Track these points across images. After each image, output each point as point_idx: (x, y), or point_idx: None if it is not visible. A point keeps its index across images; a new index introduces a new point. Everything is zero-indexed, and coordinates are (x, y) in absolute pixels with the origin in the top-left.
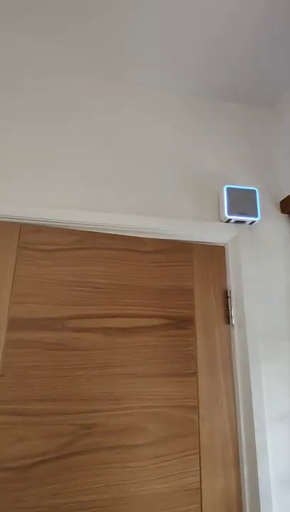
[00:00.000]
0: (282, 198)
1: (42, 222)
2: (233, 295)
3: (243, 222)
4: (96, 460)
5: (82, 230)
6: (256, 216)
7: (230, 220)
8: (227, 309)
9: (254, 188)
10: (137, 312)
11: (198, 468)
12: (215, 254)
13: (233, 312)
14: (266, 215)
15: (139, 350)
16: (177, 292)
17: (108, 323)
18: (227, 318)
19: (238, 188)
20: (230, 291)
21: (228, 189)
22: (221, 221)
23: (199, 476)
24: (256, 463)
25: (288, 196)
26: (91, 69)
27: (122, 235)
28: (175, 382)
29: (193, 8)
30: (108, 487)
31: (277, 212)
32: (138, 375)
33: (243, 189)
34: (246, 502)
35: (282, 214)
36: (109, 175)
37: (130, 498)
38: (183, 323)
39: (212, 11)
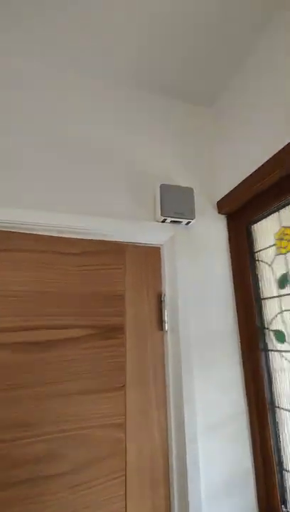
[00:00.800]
0: (219, 198)
1: None
2: (168, 299)
3: (179, 222)
4: (3, 499)
5: None
6: (192, 216)
7: (166, 220)
8: (161, 314)
9: (190, 187)
10: (56, 323)
11: (123, 492)
12: (150, 256)
13: (167, 317)
14: (203, 215)
15: (56, 366)
16: (106, 298)
17: (18, 337)
18: (161, 324)
19: (173, 186)
20: (164, 295)
21: (163, 187)
22: (157, 221)
23: (124, 501)
24: (187, 476)
25: (224, 196)
26: (32, 54)
27: (45, 235)
28: (99, 399)
29: (136, 7)
30: None
31: (214, 212)
32: (55, 394)
33: (179, 187)
34: None
35: (219, 214)
36: (35, 169)
37: None
38: (112, 332)
39: (154, 11)
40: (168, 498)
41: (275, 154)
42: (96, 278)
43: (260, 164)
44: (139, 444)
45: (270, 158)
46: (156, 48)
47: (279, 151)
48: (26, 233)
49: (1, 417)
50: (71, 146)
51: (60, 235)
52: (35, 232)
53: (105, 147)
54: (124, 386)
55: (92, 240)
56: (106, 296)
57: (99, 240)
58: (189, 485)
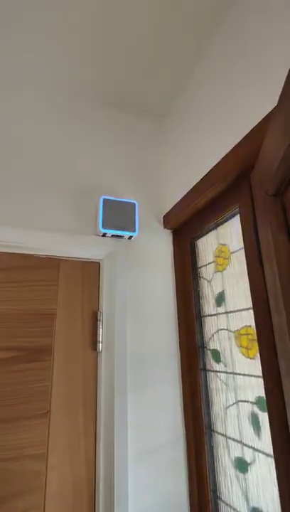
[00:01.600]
0: (164, 213)
1: None
2: (104, 316)
3: (121, 236)
4: None
5: None
6: (133, 231)
7: (106, 234)
8: (96, 334)
9: (133, 201)
10: None
11: None
12: (87, 271)
13: (102, 337)
14: (148, 230)
15: None
16: (34, 318)
17: None
18: (95, 344)
19: (116, 201)
20: (101, 313)
21: (105, 201)
22: (97, 235)
23: None
24: (113, 509)
25: (168, 212)
26: None
27: None
28: (16, 428)
29: (85, 17)
30: None
31: (160, 227)
32: None
33: (121, 201)
34: None
35: (165, 229)
36: None
37: None
38: (38, 354)
39: (96, 22)
40: None
41: (207, 173)
42: (23, 295)
43: (198, 181)
44: (61, 476)
45: (203, 177)
46: (101, 60)
47: (210, 171)
48: None
49: None
50: (4, 152)
51: None
52: None
53: (46, 157)
54: (47, 413)
55: (20, 253)
56: (34, 314)
57: (30, 255)
58: None
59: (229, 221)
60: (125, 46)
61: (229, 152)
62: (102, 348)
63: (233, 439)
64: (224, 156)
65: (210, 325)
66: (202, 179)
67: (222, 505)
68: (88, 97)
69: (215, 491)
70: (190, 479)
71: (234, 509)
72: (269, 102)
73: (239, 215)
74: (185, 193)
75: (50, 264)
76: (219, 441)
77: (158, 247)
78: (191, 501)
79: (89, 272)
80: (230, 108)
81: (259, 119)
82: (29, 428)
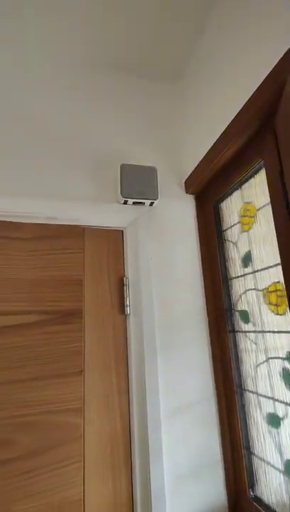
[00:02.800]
0: (186, 178)
1: None
2: (130, 282)
3: (142, 203)
4: None
5: None
6: (155, 197)
7: (127, 201)
8: (123, 298)
9: (153, 166)
10: (5, 309)
11: (81, 477)
12: (112, 239)
13: (129, 301)
14: (170, 196)
15: (6, 353)
16: (62, 283)
17: None
18: (123, 308)
19: (135, 166)
20: (127, 279)
21: (124, 167)
22: (118, 203)
23: (82, 487)
24: (149, 462)
25: (190, 175)
26: None
27: None
28: (54, 385)
29: None
30: None
31: (182, 192)
32: (5, 381)
33: (141, 167)
34: (138, 504)
35: (187, 194)
36: None
37: None
38: (69, 317)
39: None
40: (130, 482)
41: (226, 128)
42: (51, 263)
43: (217, 138)
44: (98, 429)
45: (222, 133)
46: (113, 24)
47: (229, 124)
48: None
49: None
50: (26, 127)
51: (11, 220)
52: None
53: (64, 127)
54: (82, 371)
55: (47, 224)
56: (62, 280)
57: (56, 224)
58: (151, 469)
59: (253, 178)
60: (135, 7)
61: (248, 100)
62: (130, 311)
63: (264, 396)
64: (243, 106)
65: (237, 286)
66: (221, 135)
67: (255, 459)
68: (102, 65)
69: (247, 446)
70: (223, 435)
71: (268, 462)
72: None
73: (264, 169)
74: (205, 153)
75: (75, 233)
76: (250, 398)
77: (180, 212)
78: (225, 457)
79: (114, 239)
80: (245, 53)
81: (278, 58)
82: (66, 385)
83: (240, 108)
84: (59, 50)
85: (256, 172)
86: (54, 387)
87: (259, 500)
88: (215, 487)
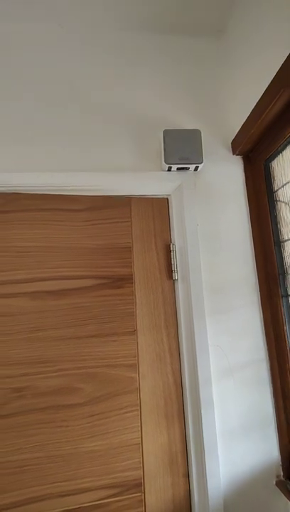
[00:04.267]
0: (232, 138)
1: None
2: (177, 248)
3: (187, 168)
4: (28, 421)
5: (4, 192)
6: (199, 160)
7: (171, 168)
8: (170, 264)
9: (196, 129)
10: (67, 274)
11: (138, 424)
12: (157, 207)
13: (176, 266)
14: (216, 159)
15: (71, 312)
16: (113, 250)
17: (36, 287)
18: (171, 273)
19: (178, 130)
20: (174, 245)
21: (166, 132)
22: (162, 170)
23: (140, 432)
24: (200, 416)
25: (237, 135)
26: (13, 11)
27: (50, 194)
28: (111, 342)
29: None
30: (42, 446)
31: (228, 154)
32: (70, 336)
33: (184, 130)
34: (192, 454)
35: (234, 156)
36: (36, 130)
37: (66, 456)
38: (120, 281)
39: None
40: (183, 432)
41: (278, 72)
42: (102, 231)
43: (263, 91)
44: (152, 384)
45: (274, 78)
46: None
47: (281, 68)
48: (32, 193)
49: (24, 354)
50: (66, 102)
51: (64, 193)
52: (41, 192)
53: (103, 97)
54: (135, 331)
55: (96, 195)
56: (113, 248)
57: (103, 196)
58: (203, 423)
59: None
60: None
61: None
62: (178, 277)
63: None
64: (289, 55)
65: None
66: (267, 87)
67: None
68: (142, 26)
69: None
70: (275, 396)
71: None
72: None
73: None
74: (252, 109)
75: (122, 203)
76: None
77: (228, 175)
78: (277, 416)
79: (159, 207)
80: None
81: None
82: (120, 343)
83: (286, 57)
84: (95, 13)
85: None
86: (111, 345)
87: None
88: (267, 445)
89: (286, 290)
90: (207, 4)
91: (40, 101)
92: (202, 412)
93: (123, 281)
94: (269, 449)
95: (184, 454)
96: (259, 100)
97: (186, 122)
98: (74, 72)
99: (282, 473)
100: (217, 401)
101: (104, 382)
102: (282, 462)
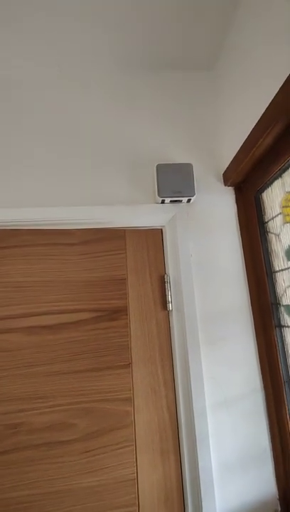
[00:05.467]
0: (223, 170)
1: None
2: (171, 279)
3: (179, 201)
4: (23, 458)
5: (1, 228)
6: (191, 193)
7: (164, 200)
8: (165, 295)
9: (188, 162)
10: (64, 308)
11: (134, 459)
12: (151, 238)
13: (171, 297)
14: (208, 190)
15: (66, 346)
16: (108, 283)
17: (32, 321)
18: (165, 304)
19: (170, 165)
20: (168, 276)
21: (159, 167)
22: (156, 203)
23: (135, 468)
24: (196, 451)
25: (228, 167)
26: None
27: (46, 229)
28: (106, 376)
29: None
30: (37, 483)
31: (220, 185)
32: (66, 371)
33: (176, 165)
34: (187, 490)
35: (226, 187)
36: (33, 165)
37: (61, 492)
38: (116, 314)
39: None
40: (179, 467)
41: (267, 107)
42: (98, 264)
43: (254, 125)
44: (147, 418)
45: (263, 113)
46: (141, 19)
47: (271, 103)
48: (30, 229)
49: (20, 390)
50: (64, 138)
51: (59, 228)
52: (38, 228)
53: (98, 133)
54: (129, 364)
55: (91, 228)
56: (109, 280)
57: (98, 229)
58: (199, 458)
59: None
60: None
61: (285, 82)
62: (172, 307)
63: None
64: (280, 88)
65: (281, 280)
66: (258, 122)
67: None
68: (135, 64)
69: None
70: (271, 428)
71: None
72: None
73: None
74: (243, 142)
75: (117, 235)
76: None
77: (220, 206)
78: (274, 449)
79: (153, 238)
80: (280, 35)
81: None
82: (116, 376)
83: (277, 91)
84: (94, 51)
85: None
86: (106, 378)
87: None
88: (264, 479)
89: (279, 320)
90: (200, 41)
91: (38, 137)
92: (198, 447)
93: (118, 314)
94: (266, 483)
95: (180, 490)
96: (250, 134)
97: (179, 156)
98: (72, 109)
99: (279, 508)
100: (213, 435)
101: (98, 417)
102: (279, 496)
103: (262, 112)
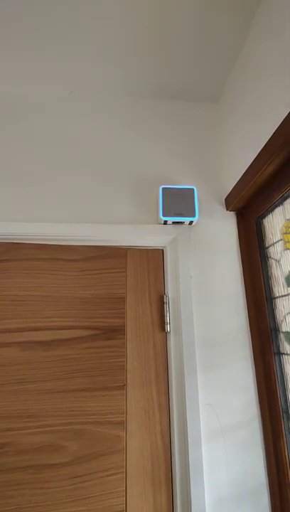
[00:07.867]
0: (226, 195)
1: None
2: (170, 300)
3: (182, 223)
4: (8, 481)
5: (5, 241)
6: (193, 216)
7: (167, 221)
8: (163, 316)
9: (191, 187)
10: (59, 324)
11: (123, 488)
12: (152, 258)
13: (169, 319)
14: (210, 214)
15: (61, 364)
16: (106, 301)
17: (27, 336)
18: (163, 326)
19: (174, 188)
20: (167, 297)
21: (164, 190)
22: (159, 224)
23: (124, 498)
24: (189, 483)
25: (230, 192)
26: (25, 76)
27: (49, 244)
28: (100, 397)
29: (128, 8)
30: (21, 509)
31: (222, 210)
32: (58, 390)
33: (180, 188)
34: None
35: (228, 212)
36: (40, 184)
37: None
38: (112, 333)
39: (143, 6)
40: (170, 500)
41: (269, 139)
42: (97, 281)
43: (257, 153)
44: (139, 444)
45: (265, 144)
46: (151, 51)
47: (272, 136)
48: (32, 243)
49: (10, 407)
50: (70, 159)
51: (62, 243)
52: (40, 242)
53: (106, 156)
54: (124, 385)
55: (92, 246)
56: (107, 298)
57: (100, 246)
58: (192, 488)
59: None
60: (171, 36)
61: (288, 114)
62: (170, 329)
63: None
64: (284, 119)
65: (281, 306)
66: (262, 150)
67: None
68: (142, 92)
69: None
70: (268, 459)
71: None
72: None
73: None
74: (246, 168)
75: (118, 253)
76: None
77: (221, 230)
78: (270, 481)
79: (154, 258)
80: (283, 65)
81: None
82: (109, 398)
83: (281, 121)
84: (101, 78)
85: None
86: (99, 400)
87: None
88: None
89: (278, 347)
90: (206, 73)
91: (48, 155)
92: (191, 478)
93: (115, 333)
94: None
95: None
96: (252, 162)
97: (183, 180)
98: (79, 131)
99: None
100: (207, 465)
101: (89, 440)
102: None
103: (265, 142)
